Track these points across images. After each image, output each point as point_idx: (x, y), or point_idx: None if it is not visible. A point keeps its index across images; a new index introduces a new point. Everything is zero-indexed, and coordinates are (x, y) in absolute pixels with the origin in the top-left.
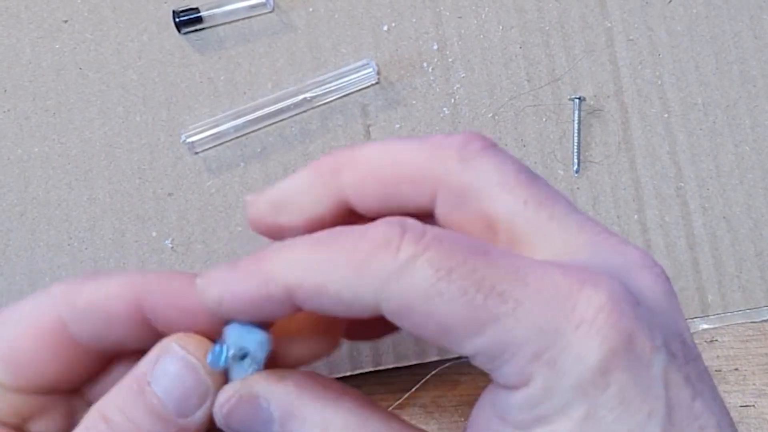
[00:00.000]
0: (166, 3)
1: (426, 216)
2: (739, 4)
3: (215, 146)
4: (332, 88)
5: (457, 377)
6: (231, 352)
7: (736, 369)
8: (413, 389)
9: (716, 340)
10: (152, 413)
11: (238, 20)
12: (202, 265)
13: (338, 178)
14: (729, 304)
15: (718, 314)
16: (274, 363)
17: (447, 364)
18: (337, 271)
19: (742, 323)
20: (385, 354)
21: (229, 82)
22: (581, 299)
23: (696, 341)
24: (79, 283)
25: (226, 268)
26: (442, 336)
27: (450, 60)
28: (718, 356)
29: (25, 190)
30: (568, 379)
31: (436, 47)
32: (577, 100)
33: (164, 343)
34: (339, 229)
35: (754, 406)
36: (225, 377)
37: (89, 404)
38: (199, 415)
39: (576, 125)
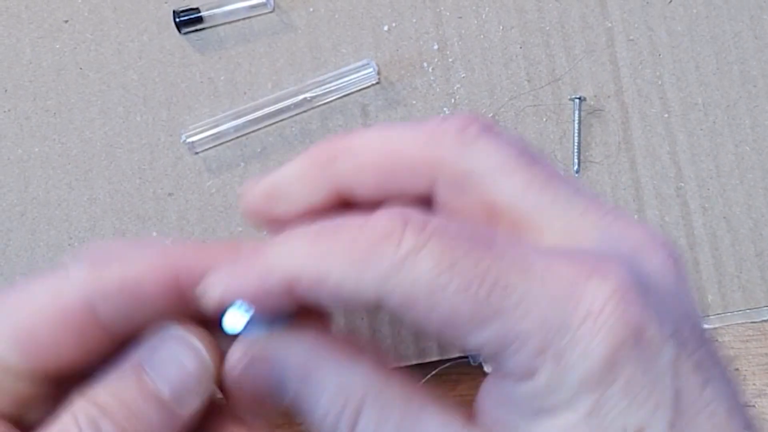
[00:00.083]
0: (166, 3)
1: (426, 202)
2: (740, 4)
3: (215, 146)
4: (332, 88)
5: (457, 377)
6: (247, 309)
7: (737, 369)
8: None
9: (716, 341)
10: (150, 397)
11: (238, 20)
12: None
13: (334, 167)
14: (729, 304)
15: (718, 314)
16: None
17: (447, 364)
18: (337, 263)
19: (742, 323)
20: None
21: (229, 82)
22: (588, 291)
23: None
24: (108, 262)
25: (226, 265)
26: (446, 330)
27: (450, 60)
28: None
29: (25, 190)
30: (574, 373)
31: (436, 47)
32: (577, 100)
33: (161, 326)
34: (339, 220)
35: (754, 406)
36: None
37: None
38: (198, 400)
39: (576, 125)
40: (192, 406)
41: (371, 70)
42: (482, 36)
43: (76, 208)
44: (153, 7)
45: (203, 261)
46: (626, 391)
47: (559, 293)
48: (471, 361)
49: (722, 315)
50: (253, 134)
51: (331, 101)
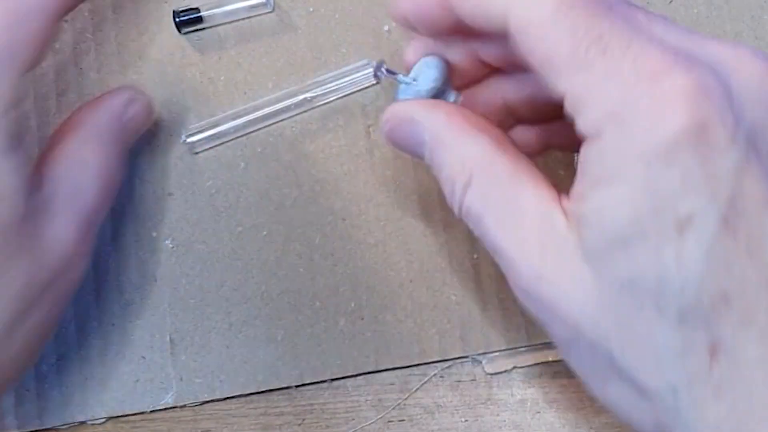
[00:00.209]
0: (166, 3)
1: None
2: (740, 4)
3: (215, 146)
4: (332, 88)
5: (458, 377)
6: (386, 68)
7: None
8: (413, 389)
9: None
10: None
11: (238, 20)
12: (202, 266)
13: None
14: None
15: None
16: None
17: (447, 364)
18: None
19: None
20: (385, 354)
21: (229, 82)
22: (668, 77)
23: None
24: None
25: None
26: (544, 66)
27: None
28: None
29: None
30: (635, 144)
31: None
32: None
33: None
34: None
35: None
36: None
37: None
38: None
39: None
40: None
41: (371, 70)
42: None
43: None
44: (153, 7)
45: None
46: (682, 177)
47: (644, 70)
48: (470, 362)
49: None
50: (253, 134)
51: (331, 101)
